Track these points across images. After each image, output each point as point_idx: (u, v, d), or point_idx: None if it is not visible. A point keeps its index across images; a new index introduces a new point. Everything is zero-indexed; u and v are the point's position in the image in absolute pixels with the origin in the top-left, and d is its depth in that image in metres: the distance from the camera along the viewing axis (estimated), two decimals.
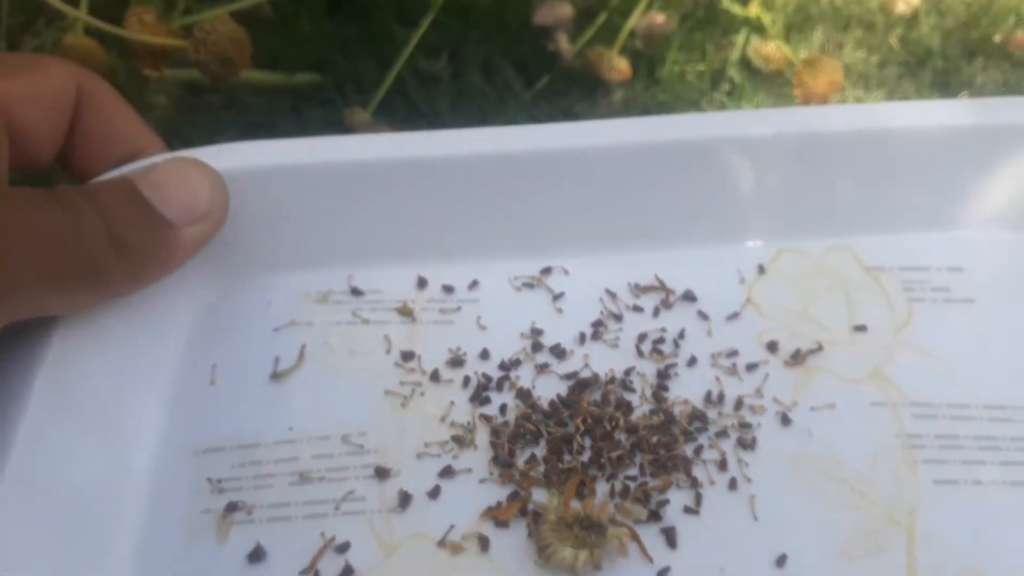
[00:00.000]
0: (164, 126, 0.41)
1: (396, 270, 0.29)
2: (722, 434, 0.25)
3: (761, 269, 0.29)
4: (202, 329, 0.27)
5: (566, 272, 0.29)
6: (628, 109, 0.44)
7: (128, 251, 0.23)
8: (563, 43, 0.46)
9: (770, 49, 0.44)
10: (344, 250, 0.29)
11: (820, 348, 0.27)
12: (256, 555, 0.23)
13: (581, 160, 0.28)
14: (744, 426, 0.25)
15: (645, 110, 0.44)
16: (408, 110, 0.43)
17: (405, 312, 0.28)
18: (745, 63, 0.45)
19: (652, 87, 0.44)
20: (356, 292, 0.28)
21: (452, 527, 0.23)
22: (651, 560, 0.23)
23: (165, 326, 0.27)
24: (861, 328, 0.28)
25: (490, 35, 0.43)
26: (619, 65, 0.44)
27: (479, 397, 0.26)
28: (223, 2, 0.39)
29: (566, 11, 0.46)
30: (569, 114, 0.43)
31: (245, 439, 0.25)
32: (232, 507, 0.24)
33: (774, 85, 0.45)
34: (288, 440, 0.25)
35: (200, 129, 0.42)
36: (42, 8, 0.40)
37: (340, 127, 0.41)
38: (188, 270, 0.26)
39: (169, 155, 0.26)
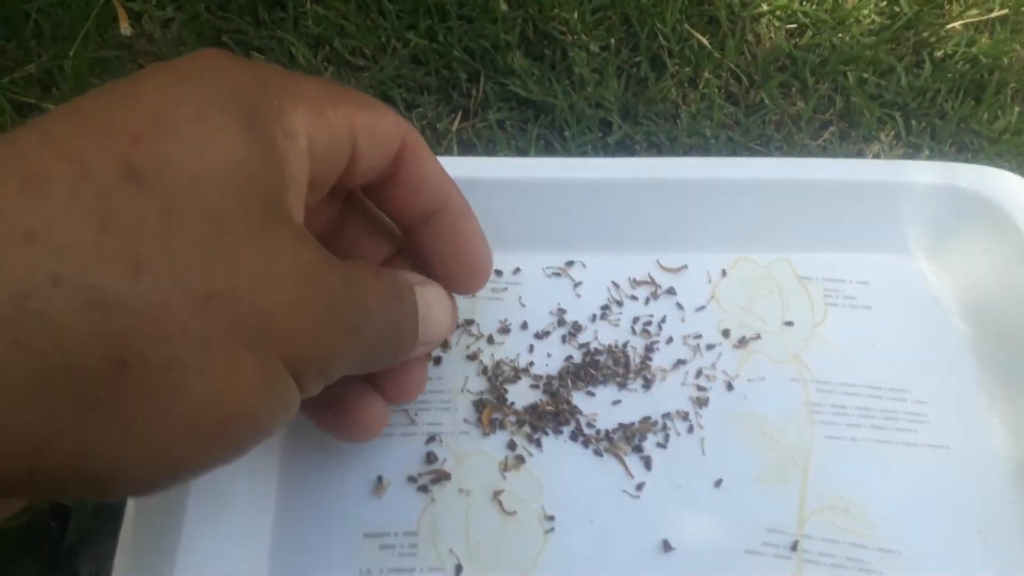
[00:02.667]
0: None
1: None
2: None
3: (723, 273, 0.40)
4: None
5: (584, 266, 0.39)
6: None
7: (396, 347, 0.26)
8: None
9: None
10: None
11: (758, 336, 0.38)
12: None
13: (600, 187, 0.38)
14: (701, 389, 0.36)
15: None
16: None
17: None
18: None
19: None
20: None
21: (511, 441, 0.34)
22: (632, 476, 0.34)
23: None
24: (789, 323, 0.38)
25: None
26: None
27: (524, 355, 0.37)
28: None
29: None
30: None
31: None
32: None
33: None
34: None
35: None
36: None
37: None
38: None
39: (422, 278, 0.29)
